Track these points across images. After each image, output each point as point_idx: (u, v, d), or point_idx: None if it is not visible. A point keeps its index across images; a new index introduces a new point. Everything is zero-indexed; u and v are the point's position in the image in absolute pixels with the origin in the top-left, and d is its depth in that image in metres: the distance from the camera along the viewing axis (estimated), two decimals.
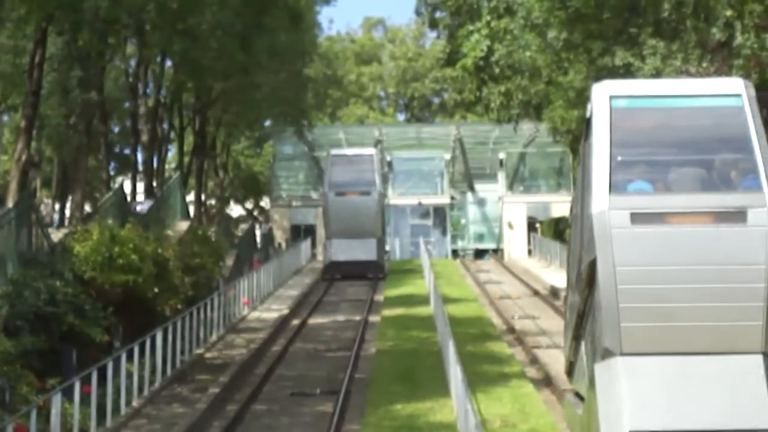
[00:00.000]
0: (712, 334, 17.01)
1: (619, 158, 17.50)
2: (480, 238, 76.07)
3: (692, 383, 16.94)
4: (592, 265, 17.41)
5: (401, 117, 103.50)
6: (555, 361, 28.40)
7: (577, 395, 20.37)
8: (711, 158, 17.82)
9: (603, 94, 17.96)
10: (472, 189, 76.68)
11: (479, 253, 73.40)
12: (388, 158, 74.90)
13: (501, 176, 74.53)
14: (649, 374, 16.98)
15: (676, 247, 17.03)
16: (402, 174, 76.53)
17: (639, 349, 17.07)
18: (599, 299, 17.29)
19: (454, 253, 73.35)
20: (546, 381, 26.89)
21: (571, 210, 21.88)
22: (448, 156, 76.10)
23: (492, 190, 75.39)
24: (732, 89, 17.90)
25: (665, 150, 18.08)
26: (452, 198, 75.85)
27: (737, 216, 16.92)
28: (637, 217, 17.02)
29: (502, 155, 74.71)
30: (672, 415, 16.69)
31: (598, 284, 17.26)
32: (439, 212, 75.52)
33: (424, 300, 41.94)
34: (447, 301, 37.65)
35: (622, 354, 17.03)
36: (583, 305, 18.91)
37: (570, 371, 21.18)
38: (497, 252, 71.78)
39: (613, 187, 17.15)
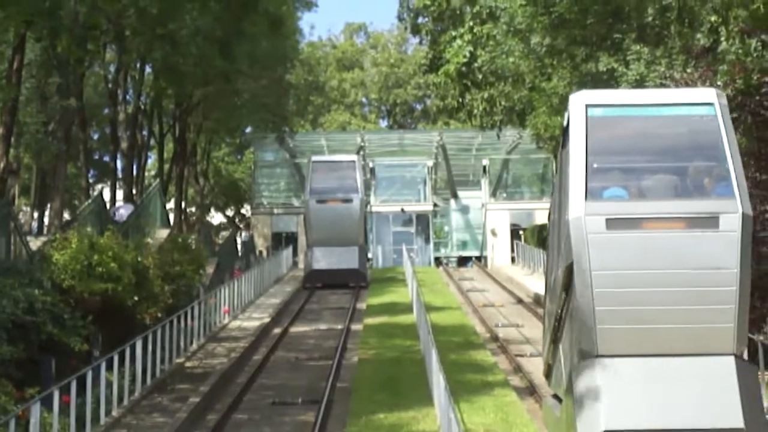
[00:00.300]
0: (685, 336, 17.67)
1: (595, 165, 18.07)
2: (463, 245, 75.92)
3: (666, 384, 17.56)
4: (569, 269, 18.00)
5: (383, 123, 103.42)
6: (538, 369, 28.17)
7: (556, 397, 20.83)
8: (684, 165, 18.41)
9: (579, 103, 18.49)
10: (455, 196, 76.54)
11: (462, 261, 73.25)
12: (371, 165, 74.70)
13: (484, 183, 74.39)
14: (624, 375, 17.64)
15: (650, 251, 17.64)
16: (384, 181, 76.33)
17: (614, 350, 17.74)
18: (576, 302, 17.95)
19: (437, 260, 73.18)
20: (529, 390, 26.72)
21: (549, 216, 22.17)
22: (430, 163, 75.97)
23: (475, 197, 75.24)
24: (705, 98, 18.52)
25: (640, 157, 18.68)
26: (435, 205, 75.69)
27: (710, 222, 17.57)
28: (612, 223, 17.61)
29: (485, 162, 74.60)
30: (646, 414, 17.31)
31: (574, 288, 17.91)
32: (422, 219, 75.33)
33: (406, 308, 41.72)
34: (430, 310, 37.47)
35: (598, 356, 17.73)
36: (560, 309, 19.57)
37: (548, 374, 21.74)
38: (480, 259, 71.61)
39: (589, 194, 17.79)
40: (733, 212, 17.58)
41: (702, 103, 18.63)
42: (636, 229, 17.78)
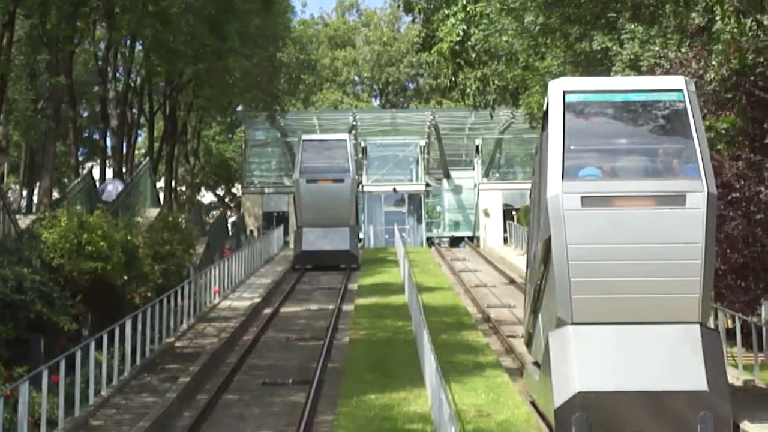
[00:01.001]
0: (654, 305, 19.32)
1: (572, 147, 19.80)
2: (455, 225, 75.77)
3: (636, 350, 19.22)
4: (547, 243, 19.62)
5: (376, 102, 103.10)
6: None
7: (536, 364, 22.12)
8: (654, 147, 20.34)
9: (558, 90, 20.27)
10: (447, 176, 76.31)
11: (455, 241, 73.10)
12: (363, 144, 74.42)
13: (477, 163, 74.19)
14: (597, 341, 19.30)
15: (622, 227, 19.34)
16: (376, 160, 76.04)
17: (588, 318, 19.33)
18: (553, 274, 19.57)
19: (429, 240, 73.00)
20: (521, 371, 26.61)
21: (531, 195, 23.82)
22: (423, 142, 75.74)
23: (468, 177, 75.04)
24: (674, 85, 20.35)
25: (613, 140, 20.60)
26: (427, 185, 75.48)
27: (677, 200, 19.28)
28: (587, 200, 19.35)
29: (478, 141, 74.37)
30: (617, 377, 18.99)
31: (552, 260, 19.53)
32: (414, 199, 75.09)
33: (398, 289, 41.62)
34: (422, 290, 37.37)
35: (573, 323, 19.34)
36: (539, 281, 21.16)
37: (529, 342, 23.27)
38: (473, 240, 71.46)
39: (566, 174, 19.45)
40: (699, 191, 19.23)
41: (672, 90, 20.37)
42: (609, 206, 19.38)
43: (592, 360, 19.23)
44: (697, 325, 19.32)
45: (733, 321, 24.79)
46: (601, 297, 19.39)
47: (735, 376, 23.98)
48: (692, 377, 19.01)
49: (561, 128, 19.95)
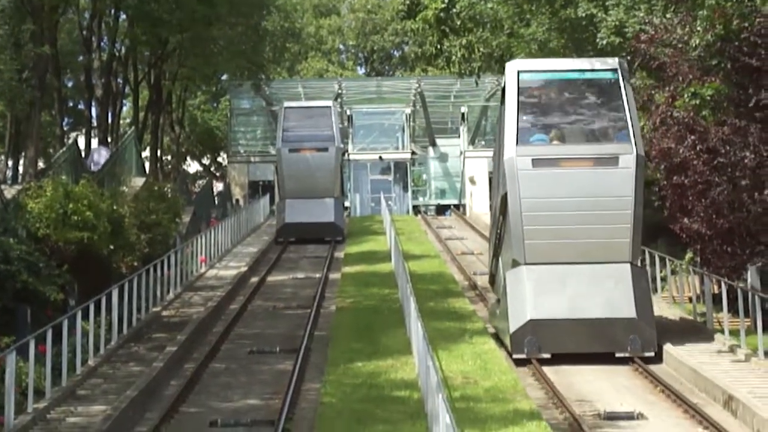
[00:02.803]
0: (592, 248, 23.86)
1: (524, 118, 24.42)
2: (442, 193, 75.65)
3: (577, 285, 23.74)
4: (504, 198, 24.29)
5: (361, 71, 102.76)
6: None
7: (497, 301, 26.40)
8: (593, 118, 24.89)
9: (513, 70, 24.95)
10: (433, 144, 76.11)
11: (441, 209, 73.01)
12: (348, 113, 74.16)
13: (463, 131, 74.03)
14: (545, 278, 23.86)
15: (565, 184, 23.86)
16: (362, 129, 75.77)
17: (538, 259, 23.96)
18: (509, 223, 24.20)
19: (416, 209, 72.88)
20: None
21: (493, 158, 28.52)
22: (409, 110, 75.53)
23: (454, 145, 74.88)
24: (610, 66, 24.97)
25: (560, 111, 25.15)
26: (413, 153, 75.28)
27: (611, 161, 23.85)
28: (537, 162, 23.90)
29: (463, 109, 74.14)
30: (562, 307, 23.60)
31: (508, 212, 24.12)
32: (400, 167, 74.92)
33: (385, 257, 41.62)
34: (408, 258, 37.39)
35: (526, 263, 24.04)
36: (498, 229, 25.86)
37: (492, 281, 27.75)
38: (459, 207, 71.39)
39: (520, 140, 24.12)
40: (629, 153, 23.80)
41: (608, 70, 24.90)
42: (555, 167, 23.97)
43: (541, 293, 23.79)
44: (628, 264, 23.89)
45: (719, 286, 24.88)
46: (549, 242, 23.88)
47: (721, 342, 24.08)
48: (624, 307, 23.50)
49: (516, 102, 24.32)
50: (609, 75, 24.88)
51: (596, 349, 23.38)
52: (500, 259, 25.82)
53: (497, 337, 25.83)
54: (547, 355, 23.31)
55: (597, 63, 25.65)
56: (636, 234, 23.89)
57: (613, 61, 25.08)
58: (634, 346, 23.22)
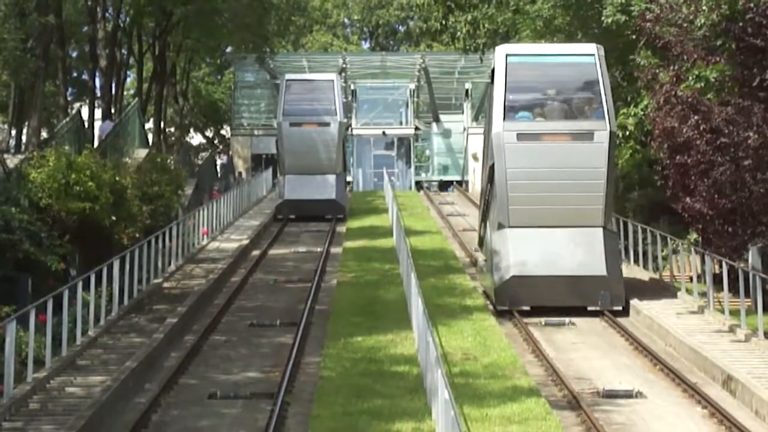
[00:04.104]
0: (569, 213, 26.68)
1: (511, 97, 27.09)
2: (444, 169, 75.54)
3: (555, 246, 26.61)
4: (492, 168, 27.27)
5: (366, 45, 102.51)
6: None
7: (485, 260, 29.12)
8: (572, 97, 27.62)
9: (502, 53, 27.65)
10: (437, 120, 75.94)
11: (443, 185, 72.89)
12: (352, 87, 73.95)
13: (466, 107, 73.92)
14: (527, 240, 26.70)
15: (546, 156, 26.68)
16: (366, 103, 75.54)
17: (521, 223, 26.77)
18: (496, 190, 27.16)
19: (418, 184, 72.80)
20: (508, 314, 26.70)
21: (484, 133, 30.88)
22: (413, 86, 75.33)
23: (457, 121, 74.73)
24: (588, 51, 27.60)
25: (542, 91, 27.77)
26: (417, 129, 75.11)
27: (587, 136, 26.72)
28: (521, 136, 26.79)
29: (467, 85, 74.02)
30: (540, 266, 26.49)
31: (495, 181, 27.07)
32: (404, 143, 74.76)
33: (386, 232, 41.63)
34: (410, 234, 37.43)
35: (510, 226, 26.88)
36: (486, 196, 28.80)
37: (481, 244, 30.78)
38: (462, 184, 71.33)
39: (506, 116, 26.92)
40: (603, 130, 26.63)
41: (586, 54, 27.48)
42: (537, 141, 26.83)
43: (523, 253, 26.62)
44: (601, 228, 26.81)
45: (720, 266, 24.87)
46: (530, 207, 26.67)
47: (722, 322, 24.09)
48: (595, 266, 26.41)
49: (503, 82, 27.02)
50: (587, 59, 27.31)
51: (571, 302, 26.32)
52: (488, 223, 28.69)
53: (485, 294, 28.56)
54: (527, 308, 26.19)
55: (576, 48, 28.88)
56: (608, 201, 26.81)
57: (590, 47, 27.73)
58: (604, 301, 26.20)
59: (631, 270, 30.43)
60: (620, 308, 26.26)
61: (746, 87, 25.16)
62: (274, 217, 47.40)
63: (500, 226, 27.04)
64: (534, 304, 26.25)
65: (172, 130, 70.12)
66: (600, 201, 26.57)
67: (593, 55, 27.16)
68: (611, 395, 19.27)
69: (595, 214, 26.67)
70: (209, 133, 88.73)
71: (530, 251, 26.61)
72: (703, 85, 25.54)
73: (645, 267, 30.91)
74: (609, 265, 26.48)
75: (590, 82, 27.25)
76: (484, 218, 29.49)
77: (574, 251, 26.55)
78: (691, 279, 27.74)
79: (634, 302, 26.56)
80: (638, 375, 20.94)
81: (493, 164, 27.01)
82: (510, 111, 26.97)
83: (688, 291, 27.11)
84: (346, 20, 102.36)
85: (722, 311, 24.55)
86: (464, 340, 23.20)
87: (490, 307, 27.30)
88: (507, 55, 27.39)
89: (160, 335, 22.88)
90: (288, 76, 50.91)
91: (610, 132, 26.62)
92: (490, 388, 19.25)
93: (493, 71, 27.80)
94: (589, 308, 26.23)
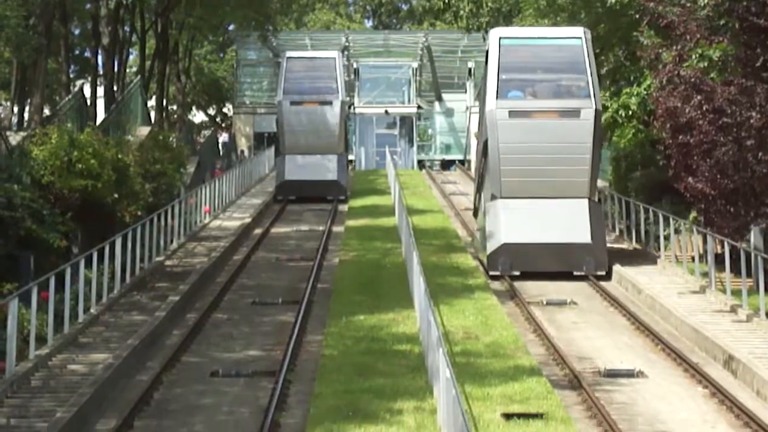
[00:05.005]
0: (557, 185, 28.48)
1: (503, 77, 28.87)
2: (447, 148, 75.42)
3: (544, 215, 28.44)
4: (485, 143, 29.31)
5: (368, 23, 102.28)
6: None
7: (479, 230, 31.18)
8: (560, 77, 29.65)
9: (496, 36, 29.80)
10: (439, 99, 75.80)
11: (446, 164, 72.79)
12: (355, 66, 73.78)
13: (469, 86, 73.72)
14: (517, 209, 28.60)
15: (536, 132, 28.51)
16: (368, 82, 75.30)
17: (512, 194, 28.65)
18: (489, 164, 29.08)
19: (420, 163, 72.70)
20: (510, 293, 26.75)
21: (479, 110, 32.37)
22: (415, 64, 75.14)
23: (460, 100, 74.58)
24: (575, 34, 29.58)
25: (532, 72, 29.83)
26: (419, 107, 74.95)
27: (574, 113, 28.54)
28: (513, 113, 28.64)
29: (470, 64, 73.77)
30: (529, 233, 28.31)
31: (488, 155, 29.00)
32: (406, 122, 74.56)
33: (389, 211, 41.62)
34: (412, 213, 37.40)
35: (502, 197, 28.78)
36: (481, 169, 30.68)
37: (475, 214, 32.85)
38: (464, 163, 71.22)
39: (499, 95, 28.80)
40: (589, 108, 28.52)
41: (573, 37, 29.37)
42: (528, 118, 28.65)
43: (513, 222, 28.51)
44: (586, 199, 28.73)
45: (722, 246, 24.85)
46: (521, 179, 28.49)
47: (723, 302, 24.11)
48: (581, 234, 28.32)
49: (497, 63, 28.97)
50: (575, 42, 29.16)
51: (558, 268, 28.23)
52: (482, 194, 30.75)
53: (478, 258, 30.67)
54: (516, 273, 28.10)
55: (564, 31, 31.00)
56: (593, 175, 28.89)
57: (578, 30, 29.78)
58: (588, 266, 28.18)
59: (632, 247, 30.46)
60: (603, 273, 28.22)
61: (749, 67, 25.06)
62: (274, 198, 46.78)
63: (493, 197, 29.01)
64: (524, 269, 28.17)
65: (175, 108, 70.02)
66: (586, 174, 28.59)
67: (580, 38, 29.05)
68: (612, 374, 19.31)
69: (581, 186, 28.65)
70: (211, 111, 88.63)
71: (520, 220, 28.53)
72: (706, 64, 25.47)
73: (646, 246, 31.08)
74: (594, 234, 28.46)
75: (577, 63, 29.00)
76: (478, 190, 31.72)
77: (561, 220, 28.44)
78: (693, 258, 27.76)
79: (635, 279, 27.28)
80: (639, 354, 20.97)
81: (486, 140, 29.02)
82: (503, 89, 28.85)
83: (690, 271, 27.12)
84: None
85: (724, 291, 24.57)
86: (466, 319, 23.21)
87: (492, 286, 27.32)
88: (500, 38, 29.42)
89: (162, 313, 22.91)
90: (289, 54, 50.00)
91: (596, 110, 28.58)
92: (492, 367, 19.28)
93: (487, 52, 29.76)
94: (575, 273, 28.17)
